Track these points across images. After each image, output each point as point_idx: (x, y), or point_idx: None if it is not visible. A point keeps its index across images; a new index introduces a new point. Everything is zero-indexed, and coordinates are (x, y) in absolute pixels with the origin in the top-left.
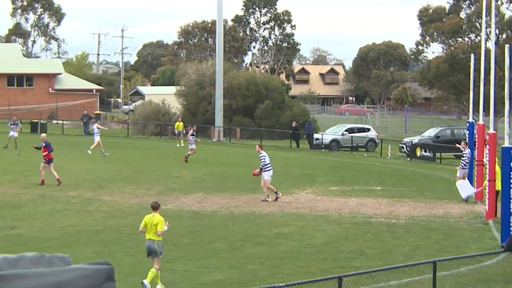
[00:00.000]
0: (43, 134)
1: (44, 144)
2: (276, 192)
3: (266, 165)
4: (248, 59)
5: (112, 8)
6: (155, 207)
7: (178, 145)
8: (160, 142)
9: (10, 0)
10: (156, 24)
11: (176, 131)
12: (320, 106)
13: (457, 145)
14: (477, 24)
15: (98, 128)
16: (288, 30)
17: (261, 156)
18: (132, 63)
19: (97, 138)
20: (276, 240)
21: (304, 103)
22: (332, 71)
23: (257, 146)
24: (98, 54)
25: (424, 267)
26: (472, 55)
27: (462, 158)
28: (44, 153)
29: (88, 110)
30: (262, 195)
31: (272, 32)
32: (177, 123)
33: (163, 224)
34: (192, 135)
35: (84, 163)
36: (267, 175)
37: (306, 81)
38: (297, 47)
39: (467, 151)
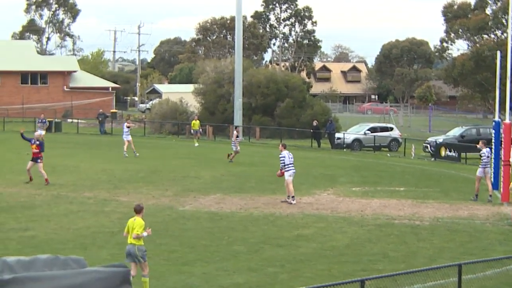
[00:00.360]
0: (37, 133)
1: (38, 142)
2: (292, 197)
3: (285, 165)
4: (268, 56)
5: (129, 4)
6: (138, 210)
7: (196, 145)
8: (178, 142)
9: None
10: (173, 21)
11: (192, 130)
12: (342, 104)
13: (477, 145)
14: (503, 20)
15: (128, 127)
16: (309, 26)
17: (281, 156)
18: (149, 60)
19: (127, 138)
20: (297, 242)
21: (326, 102)
22: (354, 68)
23: (280, 145)
24: (114, 51)
25: (449, 270)
26: (498, 52)
27: (480, 158)
28: (36, 151)
29: (103, 108)
30: (282, 196)
31: (293, 29)
32: (194, 121)
33: (142, 227)
34: (237, 137)
35: (99, 163)
36: (286, 175)
37: (327, 79)
38: (318, 44)
39: (485, 150)
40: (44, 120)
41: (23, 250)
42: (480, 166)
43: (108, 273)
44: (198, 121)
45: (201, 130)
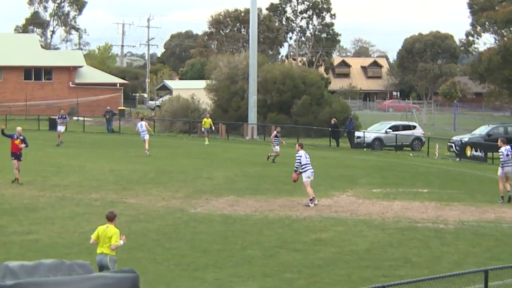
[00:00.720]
0: (19, 128)
1: (22, 137)
2: (310, 200)
3: (302, 165)
4: (284, 51)
5: None
6: (110, 218)
7: (206, 143)
8: (189, 141)
9: None
10: (184, 13)
11: (203, 128)
12: (362, 101)
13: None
14: None
15: (147, 127)
16: (328, 19)
17: (297, 156)
18: (158, 55)
19: (146, 137)
20: (314, 246)
21: (345, 99)
22: (375, 64)
23: (297, 145)
24: (122, 46)
25: (474, 277)
26: None
27: (500, 157)
28: (22, 146)
29: (111, 105)
30: (299, 197)
31: (310, 22)
32: (205, 119)
33: (118, 237)
34: (276, 136)
35: (106, 163)
36: (304, 176)
37: (346, 75)
38: (337, 38)
39: (503, 148)
40: (64, 116)
41: (26, 255)
42: (500, 165)
43: (115, 279)
44: (210, 119)
45: (213, 128)
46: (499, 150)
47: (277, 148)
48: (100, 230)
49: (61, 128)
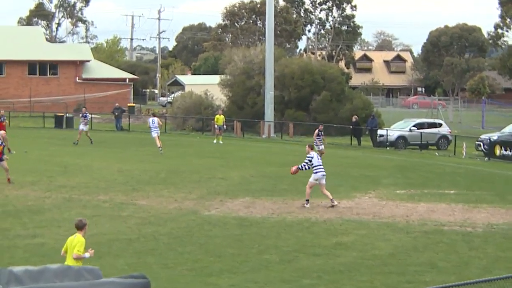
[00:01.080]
0: (3, 132)
1: (3, 145)
2: (306, 201)
3: (314, 166)
4: (302, 44)
5: None
6: (79, 226)
7: (215, 141)
8: (202, 139)
9: None
10: (197, 4)
11: (216, 126)
12: (385, 98)
13: None
14: None
15: (159, 124)
16: (348, 11)
17: (308, 156)
18: (170, 49)
19: (157, 133)
20: (335, 250)
21: (367, 95)
22: (399, 58)
23: (307, 146)
24: (131, 39)
25: (504, 283)
26: None
27: None
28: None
29: (120, 102)
30: (318, 199)
31: (330, 14)
32: (217, 116)
33: (82, 246)
34: (318, 135)
35: (115, 162)
36: (313, 177)
37: (368, 70)
38: (358, 31)
39: None
40: (85, 114)
41: (31, 259)
42: None
43: (126, 285)
44: (222, 116)
45: (225, 126)
46: None
47: (322, 147)
48: (68, 241)
49: (84, 127)
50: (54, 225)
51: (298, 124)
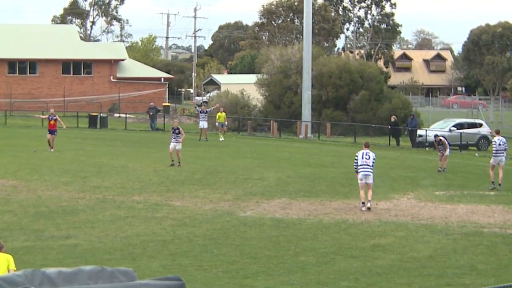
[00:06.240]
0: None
1: None
2: (362, 203)
3: (357, 166)
4: (340, 43)
5: None
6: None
7: (220, 139)
8: (238, 139)
9: None
10: (234, 3)
11: (217, 123)
12: (424, 97)
13: None
14: None
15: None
16: (388, 9)
17: (356, 156)
18: (206, 47)
19: (204, 125)
20: (373, 252)
21: (406, 94)
22: (438, 56)
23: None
24: (167, 38)
25: None
26: None
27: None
28: None
29: (155, 101)
30: (356, 200)
31: (369, 12)
32: (219, 113)
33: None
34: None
35: (150, 162)
36: (358, 177)
37: (407, 69)
38: (398, 29)
39: (495, 138)
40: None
41: (64, 261)
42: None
43: (160, 287)
44: (224, 113)
45: (226, 123)
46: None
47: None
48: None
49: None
50: (88, 226)
51: (336, 124)
